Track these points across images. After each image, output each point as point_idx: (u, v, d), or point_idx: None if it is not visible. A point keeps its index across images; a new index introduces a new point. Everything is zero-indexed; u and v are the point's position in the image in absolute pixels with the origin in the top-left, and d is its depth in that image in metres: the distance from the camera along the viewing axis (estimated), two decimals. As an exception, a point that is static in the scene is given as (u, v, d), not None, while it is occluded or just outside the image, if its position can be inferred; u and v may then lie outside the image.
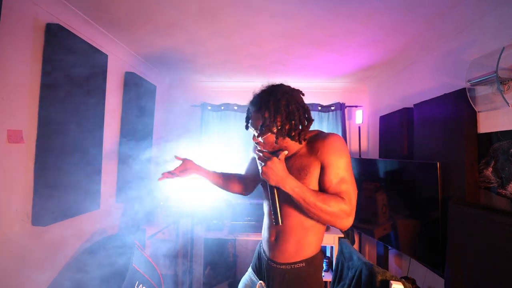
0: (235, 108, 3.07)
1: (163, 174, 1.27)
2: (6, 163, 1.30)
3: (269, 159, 0.94)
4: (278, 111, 0.97)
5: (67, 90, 1.58)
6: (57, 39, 1.50)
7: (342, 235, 2.44)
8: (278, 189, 0.96)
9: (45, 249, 1.50)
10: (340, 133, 2.91)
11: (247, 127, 1.11)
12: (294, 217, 1.04)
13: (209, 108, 3.08)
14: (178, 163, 1.31)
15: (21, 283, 1.37)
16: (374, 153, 2.83)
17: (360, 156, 2.89)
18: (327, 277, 2.44)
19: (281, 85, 1.08)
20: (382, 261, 2.19)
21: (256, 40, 1.98)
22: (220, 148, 3.02)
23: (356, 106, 2.95)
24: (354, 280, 1.44)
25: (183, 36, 1.94)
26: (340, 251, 1.71)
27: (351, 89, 3.08)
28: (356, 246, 2.89)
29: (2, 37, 1.25)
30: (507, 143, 1.26)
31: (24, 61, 1.38)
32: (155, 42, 2.08)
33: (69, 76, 1.59)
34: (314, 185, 1.00)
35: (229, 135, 3.05)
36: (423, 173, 1.64)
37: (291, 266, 1.04)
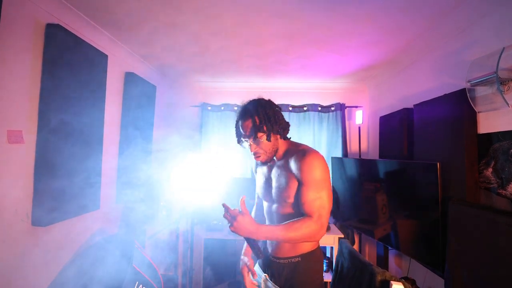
0: (235, 108, 3.06)
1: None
2: (6, 163, 1.30)
3: (233, 219, 1.02)
4: (264, 115, 1.14)
5: (67, 90, 1.58)
6: (57, 39, 1.50)
7: (342, 236, 2.45)
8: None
9: (45, 249, 1.50)
10: (340, 134, 2.91)
11: (239, 141, 1.24)
12: (286, 219, 1.12)
13: (209, 108, 3.08)
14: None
15: (21, 282, 1.37)
16: (374, 154, 2.83)
17: (360, 156, 2.88)
18: (327, 277, 2.44)
19: (257, 99, 1.23)
20: (382, 261, 2.19)
21: (256, 40, 1.98)
22: (220, 148, 3.02)
23: (356, 107, 2.95)
24: (354, 281, 1.44)
25: (183, 36, 1.94)
26: (340, 252, 1.71)
27: (351, 89, 3.08)
28: (356, 246, 2.89)
29: (2, 37, 1.25)
30: (507, 143, 1.26)
31: (24, 61, 1.38)
32: (155, 42, 2.08)
33: (69, 76, 1.59)
34: (292, 197, 1.13)
35: (229, 135, 3.05)
36: (423, 174, 1.64)
37: (289, 261, 1.17)
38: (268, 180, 1.27)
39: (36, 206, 1.42)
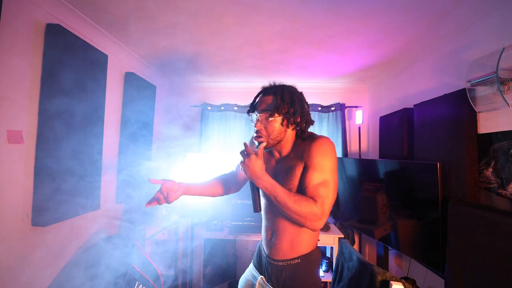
0: (235, 108, 3.07)
1: (147, 203, 1.15)
2: (6, 163, 1.30)
3: (247, 155, 0.99)
4: (290, 99, 1.06)
5: (67, 90, 1.58)
6: (57, 39, 1.50)
7: (342, 236, 2.45)
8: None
9: (45, 249, 1.50)
10: (340, 134, 2.91)
11: (251, 110, 1.12)
12: (287, 219, 1.08)
13: (209, 108, 3.08)
14: (157, 187, 1.17)
15: (21, 283, 1.37)
16: (374, 154, 2.83)
17: (360, 156, 2.88)
18: (327, 277, 2.44)
19: (288, 85, 1.15)
20: (382, 261, 2.19)
21: (256, 40, 1.98)
22: (220, 148, 3.02)
23: (356, 107, 2.95)
24: (354, 281, 1.44)
25: (183, 36, 1.94)
26: (340, 252, 1.71)
27: (351, 90, 3.08)
28: (356, 246, 2.89)
29: (2, 37, 1.25)
30: (507, 143, 1.26)
31: (24, 61, 1.38)
32: (155, 42, 2.08)
33: (69, 77, 1.59)
34: (296, 186, 1.05)
35: (229, 136, 3.05)
36: (423, 174, 1.64)
37: (288, 263, 1.10)
38: (270, 171, 1.15)
39: (36, 206, 1.43)
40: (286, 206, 0.95)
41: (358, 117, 2.78)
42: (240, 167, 1.02)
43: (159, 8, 1.57)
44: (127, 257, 1.74)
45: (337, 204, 2.66)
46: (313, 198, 0.96)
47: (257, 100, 1.11)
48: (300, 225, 1.00)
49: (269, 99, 1.07)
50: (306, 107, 1.12)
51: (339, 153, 2.90)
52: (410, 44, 1.96)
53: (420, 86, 2.01)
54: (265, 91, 1.11)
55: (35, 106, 1.44)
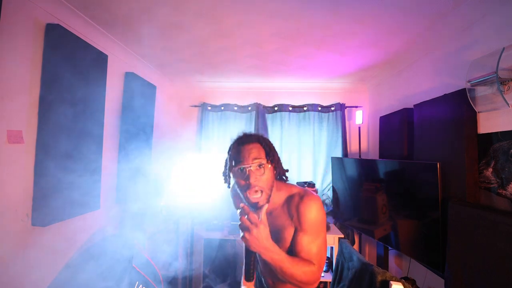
0: (235, 108, 3.07)
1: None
2: (6, 163, 1.30)
3: (255, 226, 0.83)
4: (269, 144, 1.02)
5: (67, 90, 1.58)
6: (57, 39, 1.50)
7: (342, 236, 2.45)
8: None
9: (45, 249, 1.50)
10: (340, 134, 2.91)
11: (237, 163, 0.96)
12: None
13: (209, 108, 3.08)
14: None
15: (21, 283, 1.37)
16: (374, 154, 2.83)
17: (360, 156, 2.88)
18: (327, 277, 2.44)
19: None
20: (382, 261, 2.19)
21: (256, 40, 1.98)
22: (220, 148, 3.02)
23: (356, 107, 2.95)
24: (354, 281, 1.44)
25: (183, 36, 1.94)
26: (340, 252, 1.71)
27: (351, 90, 3.08)
28: (356, 246, 2.89)
29: (2, 37, 1.25)
30: (507, 143, 1.26)
31: (24, 61, 1.38)
32: (155, 42, 2.08)
33: (69, 76, 1.59)
34: (286, 247, 1.01)
35: (229, 136, 3.05)
36: (423, 174, 1.64)
37: None
38: None
39: (36, 206, 1.42)
40: (289, 275, 0.89)
41: (358, 117, 2.78)
42: (242, 237, 0.86)
43: (159, 8, 1.57)
44: (127, 257, 1.74)
45: (337, 204, 2.66)
46: (310, 261, 0.94)
47: (242, 151, 0.96)
48: (294, 284, 0.94)
49: (257, 146, 0.97)
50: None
51: (339, 153, 2.90)
52: (410, 44, 1.96)
53: (420, 86, 2.01)
54: (245, 140, 0.99)
55: (35, 106, 1.44)
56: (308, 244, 0.96)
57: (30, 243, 1.42)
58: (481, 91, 1.34)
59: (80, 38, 1.68)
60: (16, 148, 1.34)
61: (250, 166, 0.93)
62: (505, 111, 1.26)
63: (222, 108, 3.07)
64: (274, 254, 0.87)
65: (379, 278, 1.25)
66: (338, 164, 2.64)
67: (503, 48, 1.16)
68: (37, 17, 1.43)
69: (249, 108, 3.04)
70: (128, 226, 2.32)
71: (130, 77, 2.31)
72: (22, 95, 1.37)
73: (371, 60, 2.32)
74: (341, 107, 2.93)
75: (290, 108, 3.01)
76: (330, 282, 2.39)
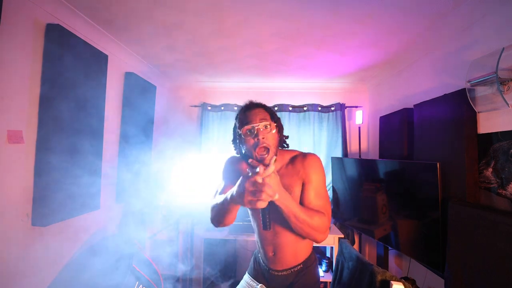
0: (235, 108, 3.07)
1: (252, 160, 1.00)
2: (6, 163, 1.30)
3: (267, 171, 0.85)
4: (272, 110, 1.12)
5: (67, 90, 1.58)
6: (57, 39, 1.50)
7: (342, 236, 2.45)
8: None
9: (45, 249, 1.50)
10: (340, 134, 2.91)
11: (244, 124, 1.02)
12: (289, 233, 1.11)
13: (209, 108, 3.08)
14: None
15: (21, 283, 1.37)
16: (374, 154, 2.83)
17: (360, 156, 2.89)
18: (327, 277, 2.44)
19: None
20: (382, 261, 2.19)
21: (256, 40, 1.98)
22: (220, 148, 3.02)
23: (356, 107, 2.95)
24: (354, 281, 1.44)
25: (183, 36, 1.94)
26: (340, 252, 1.71)
27: (351, 89, 3.08)
28: (356, 246, 2.89)
29: (2, 37, 1.25)
30: (507, 143, 1.26)
31: (24, 61, 1.38)
32: (155, 42, 2.08)
33: (69, 76, 1.59)
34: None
35: (229, 136, 3.05)
36: (423, 174, 1.64)
37: (292, 270, 1.15)
38: None
39: (36, 206, 1.43)
40: (304, 222, 0.94)
41: (358, 117, 2.78)
42: (247, 189, 0.84)
43: (159, 8, 1.57)
44: (127, 257, 1.74)
45: (337, 204, 2.66)
46: (320, 211, 1.01)
47: (250, 114, 1.04)
48: (307, 237, 1.01)
49: (261, 111, 1.07)
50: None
51: (339, 153, 2.90)
52: (410, 44, 1.96)
53: (420, 86, 2.01)
54: (250, 106, 1.09)
55: (35, 106, 1.44)
56: (316, 195, 1.05)
57: (30, 243, 1.42)
58: (481, 91, 1.34)
59: (80, 38, 1.68)
60: (16, 148, 1.34)
61: (258, 125, 1.01)
62: (505, 111, 1.26)
63: (222, 108, 3.07)
64: (287, 200, 0.93)
65: (379, 278, 1.25)
66: (338, 164, 2.64)
67: (503, 48, 1.16)
68: (37, 17, 1.44)
69: (249, 108, 3.03)
70: (128, 226, 2.32)
71: (130, 77, 2.31)
72: (22, 95, 1.37)
73: (371, 60, 2.32)
74: (341, 107, 2.93)
75: (290, 108, 3.01)
76: (330, 282, 2.39)
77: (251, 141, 1.01)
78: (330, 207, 1.06)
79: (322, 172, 1.09)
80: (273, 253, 1.16)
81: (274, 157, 1.00)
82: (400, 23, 1.67)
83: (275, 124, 1.08)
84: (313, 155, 1.11)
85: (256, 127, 1.01)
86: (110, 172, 2.12)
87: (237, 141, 1.12)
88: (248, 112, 1.06)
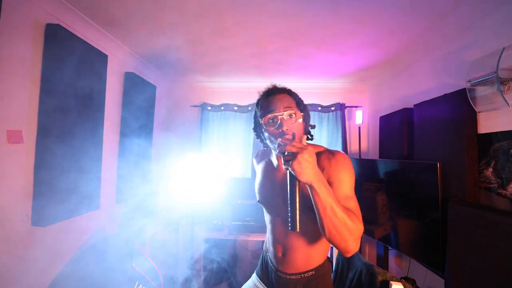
0: (235, 108, 3.06)
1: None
2: (6, 163, 1.30)
3: (304, 148, 0.75)
4: (298, 96, 0.98)
5: (67, 90, 1.58)
6: (57, 39, 1.50)
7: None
8: (300, 190, 0.81)
9: (45, 249, 1.50)
10: (340, 134, 2.91)
11: (267, 112, 0.92)
12: (302, 234, 1.00)
13: (209, 108, 3.07)
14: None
15: (21, 283, 1.37)
16: (374, 154, 2.83)
17: (360, 156, 2.88)
18: (327, 277, 2.44)
19: None
20: (382, 261, 2.19)
21: (256, 40, 1.98)
22: (220, 148, 3.02)
23: (356, 107, 2.95)
24: (354, 281, 1.44)
25: (183, 36, 1.94)
26: (340, 252, 1.71)
27: (351, 89, 3.08)
28: (356, 246, 2.89)
29: (2, 37, 1.25)
30: (507, 143, 1.25)
31: (24, 61, 1.38)
32: (155, 42, 2.08)
33: (69, 76, 1.59)
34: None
35: (229, 135, 3.05)
36: (423, 174, 1.64)
37: (301, 276, 1.03)
38: (278, 187, 1.02)
39: (36, 206, 1.42)
40: (342, 219, 0.76)
41: (358, 117, 2.78)
42: (288, 165, 0.76)
43: (159, 8, 1.57)
44: (127, 257, 1.74)
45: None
46: (355, 214, 0.82)
47: (273, 101, 0.93)
48: (339, 242, 0.79)
49: (286, 96, 0.94)
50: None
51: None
52: (410, 44, 1.96)
53: (420, 86, 2.01)
54: (274, 91, 0.97)
55: (35, 106, 1.44)
56: (346, 197, 0.86)
57: (30, 243, 1.42)
58: (481, 91, 1.34)
59: (80, 38, 1.68)
60: (16, 148, 1.34)
61: (282, 114, 0.89)
62: (505, 111, 1.26)
63: (222, 108, 3.07)
64: (325, 184, 0.76)
65: (379, 278, 1.25)
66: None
67: (503, 48, 1.16)
68: (37, 17, 1.43)
69: (249, 108, 3.04)
70: (128, 226, 2.32)
71: (130, 77, 2.31)
72: (22, 95, 1.37)
73: (371, 60, 2.32)
74: (341, 107, 2.93)
75: (290, 108, 3.00)
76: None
77: (275, 131, 0.89)
78: (360, 214, 0.86)
79: (352, 173, 0.91)
80: (282, 254, 1.06)
81: (305, 136, 0.91)
82: (400, 23, 1.67)
83: (302, 114, 0.94)
84: (341, 153, 0.94)
85: (279, 117, 0.89)
86: (110, 172, 2.12)
87: (257, 130, 1.03)
88: (271, 98, 0.94)
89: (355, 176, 0.92)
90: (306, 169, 0.74)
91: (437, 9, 1.51)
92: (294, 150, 0.76)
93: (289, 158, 0.76)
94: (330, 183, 0.84)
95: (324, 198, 0.76)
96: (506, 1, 1.27)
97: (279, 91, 0.97)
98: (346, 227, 0.76)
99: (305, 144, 0.83)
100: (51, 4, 1.48)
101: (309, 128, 1.02)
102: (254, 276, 1.23)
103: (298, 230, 0.80)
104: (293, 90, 1.01)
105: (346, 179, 0.88)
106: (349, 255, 0.80)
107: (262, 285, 1.15)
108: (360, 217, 0.83)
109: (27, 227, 1.41)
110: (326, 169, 0.90)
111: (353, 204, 0.86)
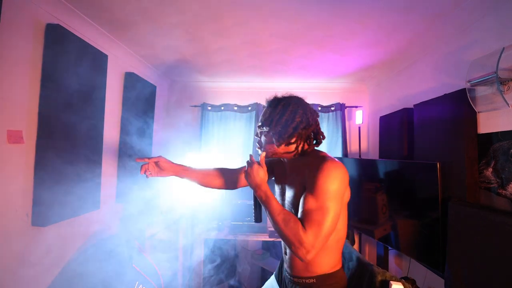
0: (235, 108, 3.06)
1: (138, 158, 1.25)
2: (6, 163, 1.30)
3: (251, 164, 1.01)
4: (280, 112, 1.00)
5: (67, 90, 1.58)
6: (57, 39, 1.50)
7: (342, 235, 2.44)
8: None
9: (45, 249, 1.50)
10: (340, 134, 2.91)
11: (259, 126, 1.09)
12: None
13: (209, 108, 3.07)
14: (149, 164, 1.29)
15: (21, 283, 1.37)
16: (374, 154, 2.83)
17: (360, 156, 2.88)
18: (327, 277, 2.44)
19: (301, 99, 1.07)
20: (382, 261, 2.19)
21: (256, 40, 1.98)
22: (220, 148, 3.02)
23: (356, 107, 2.95)
24: (354, 281, 1.44)
25: (183, 36, 1.94)
26: (340, 251, 1.71)
27: (351, 90, 3.08)
28: (356, 246, 2.89)
29: (2, 37, 1.25)
30: (507, 143, 1.26)
31: (24, 61, 1.38)
32: (155, 42, 2.08)
33: (69, 76, 1.59)
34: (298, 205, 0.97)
35: (229, 135, 3.05)
36: (423, 174, 1.64)
37: (302, 281, 1.04)
38: (279, 188, 1.17)
39: (36, 206, 1.42)
40: (274, 222, 0.90)
41: (358, 117, 2.78)
42: (244, 174, 1.03)
43: (159, 8, 1.57)
44: (127, 257, 1.74)
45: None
46: (302, 222, 0.85)
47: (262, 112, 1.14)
48: (289, 245, 0.87)
49: (267, 112, 1.04)
50: (292, 117, 0.98)
51: (339, 153, 2.90)
52: (410, 44, 1.96)
53: (420, 86, 2.01)
54: (267, 103, 1.08)
55: (35, 106, 1.44)
56: (310, 204, 0.88)
57: (30, 243, 1.42)
58: (481, 91, 1.34)
59: (80, 38, 1.68)
60: (16, 148, 1.34)
61: (258, 128, 1.09)
62: (505, 111, 1.26)
63: (222, 108, 3.07)
64: (261, 192, 0.96)
65: (379, 278, 1.25)
66: (338, 164, 2.64)
67: (503, 48, 1.16)
68: (37, 17, 1.43)
69: (249, 108, 3.04)
70: (128, 226, 2.32)
71: (130, 77, 2.31)
72: (22, 95, 1.37)
73: (371, 60, 2.32)
74: (341, 107, 2.93)
75: (290, 108, 3.00)
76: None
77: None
78: (326, 225, 0.84)
79: (333, 181, 0.87)
80: (285, 251, 1.13)
81: (263, 153, 1.04)
82: (400, 23, 1.67)
83: (269, 130, 1.01)
84: (332, 164, 0.90)
85: (256, 132, 1.12)
86: (110, 172, 2.12)
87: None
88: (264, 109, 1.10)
89: (343, 187, 0.91)
90: (249, 178, 0.99)
91: (437, 9, 1.51)
92: (246, 163, 1.03)
93: (247, 166, 1.03)
94: (305, 188, 0.94)
95: (264, 204, 0.96)
96: (506, 1, 1.27)
97: (267, 105, 1.07)
98: (282, 233, 0.88)
99: (284, 151, 1.02)
100: (51, 4, 1.48)
101: (312, 133, 1.04)
102: (272, 277, 1.32)
103: (260, 221, 1.11)
104: (291, 92, 1.09)
105: (321, 188, 0.87)
106: (302, 260, 0.86)
107: (276, 282, 1.24)
108: (315, 232, 0.83)
109: (27, 227, 1.41)
110: (306, 174, 0.96)
111: (319, 216, 0.85)
